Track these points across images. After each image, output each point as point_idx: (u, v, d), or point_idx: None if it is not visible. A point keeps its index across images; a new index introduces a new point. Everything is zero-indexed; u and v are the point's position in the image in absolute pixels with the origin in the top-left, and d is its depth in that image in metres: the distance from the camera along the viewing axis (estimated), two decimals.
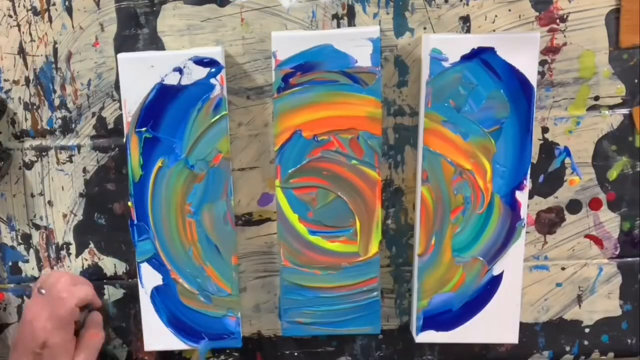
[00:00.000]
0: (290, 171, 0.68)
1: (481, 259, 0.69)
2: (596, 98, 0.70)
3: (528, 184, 0.68)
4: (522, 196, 0.68)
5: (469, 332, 0.70)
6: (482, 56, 0.66)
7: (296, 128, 0.67)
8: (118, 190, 0.74)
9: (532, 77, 0.66)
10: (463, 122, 0.67)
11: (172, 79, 0.67)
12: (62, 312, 0.69)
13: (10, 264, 0.76)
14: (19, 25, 0.71)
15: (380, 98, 0.66)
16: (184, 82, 0.67)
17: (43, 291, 0.70)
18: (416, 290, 0.70)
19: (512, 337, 0.70)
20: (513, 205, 0.68)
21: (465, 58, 0.66)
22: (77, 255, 0.76)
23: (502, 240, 0.69)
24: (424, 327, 0.70)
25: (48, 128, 0.73)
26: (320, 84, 0.66)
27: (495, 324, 0.70)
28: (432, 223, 0.69)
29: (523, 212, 0.68)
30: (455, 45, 0.66)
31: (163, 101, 0.67)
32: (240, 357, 0.77)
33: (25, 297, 0.77)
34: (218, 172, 0.68)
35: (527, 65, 0.66)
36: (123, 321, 0.77)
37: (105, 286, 0.76)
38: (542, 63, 0.69)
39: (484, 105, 0.67)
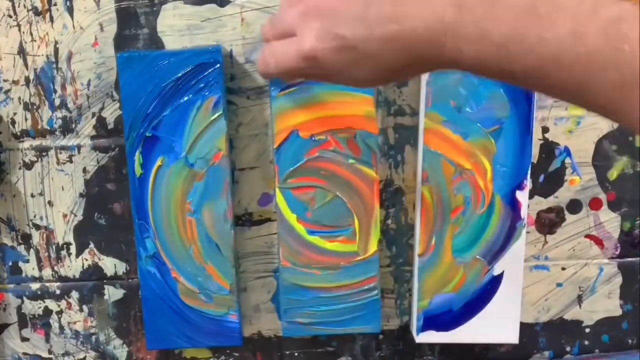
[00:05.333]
0: (288, 171, 0.70)
1: (481, 259, 0.71)
2: None
3: (528, 183, 0.70)
4: (522, 196, 0.70)
5: (469, 332, 0.72)
6: None
7: (293, 128, 0.69)
8: (118, 190, 0.76)
9: None
10: (463, 122, 0.69)
11: (171, 77, 0.69)
12: None
13: (10, 264, 0.78)
14: (19, 25, 0.73)
15: (373, 94, 0.68)
16: (183, 80, 0.69)
17: None
18: (416, 290, 0.72)
19: (512, 337, 0.72)
20: (513, 205, 0.70)
21: None
22: (77, 256, 0.78)
23: (503, 240, 0.71)
24: (424, 327, 0.72)
25: (48, 128, 0.75)
26: (316, 84, 0.68)
27: (496, 324, 0.72)
28: (432, 223, 0.71)
29: (523, 212, 0.70)
30: None
31: (162, 99, 0.69)
32: (240, 357, 0.79)
33: (25, 298, 0.79)
34: (218, 170, 0.70)
35: None
36: (123, 321, 0.79)
37: (105, 286, 0.78)
38: None
39: (484, 105, 0.68)
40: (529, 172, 0.70)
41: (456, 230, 0.71)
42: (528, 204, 0.72)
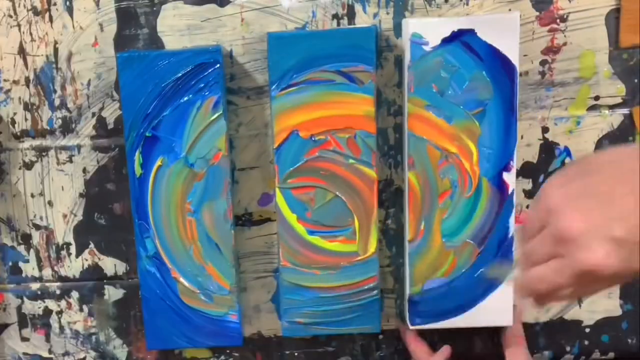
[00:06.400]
0: (288, 171, 0.70)
1: (471, 242, 0.71)
2: (596, 98, 0.72)
3: (515, 164, 0.69)
4: (509, 177, 0.70)
5: (463, 317, 0.72)
6: (462, 38, 0.68)
7: (293, 128, 0.69)
8: (118, 190, 0.76)
9: (514, 57, 0.68)
10: (446, 106, 0.69)
11: (171, 77, 0.69)
12: None
13: (10, 264, 0.79)
14: (19, 25, 0.74)
15: (373, 94, 0.68)
16: (183, 80, 0.69)
17: None
18: (408, 276, 0.72)
19: (507, 319, 0.72)
20: (501, 187, 0.70)
21: (446, 41, 0.68)
22: (77, 256, 0.78)
23: (492, 223, 0.70)
24: (417, 314, 0.72)
25: (48, 128, 0.76)
26: (316, 84, 0.68)
27: (491, 308, 0.72)
28: (420, 208, 0.70)
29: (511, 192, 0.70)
30: (435, 29, 0.68)
31: (162, 99, 0.69)
32: (240, 357, 0.79)
33: (25, 298, 0.79)
34: (218, 170, 0.71)
35: (508, 45, 0.68)
36: (123, 321, 0.79)
37: (106, 286, 0.78)
38: (543, 63, 0.72)
39: (466, 88, 0.69)
40: (515, 152, 0.69)
41: (444, 215, 0.71)
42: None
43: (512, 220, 0.70)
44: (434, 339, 0.77)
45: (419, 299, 0.72)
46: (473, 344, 0.78)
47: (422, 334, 0.76)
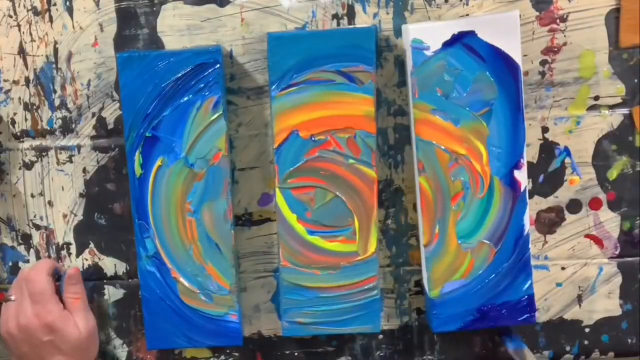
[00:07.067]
0: (288, 171, 0.70)
1: (488, 242, 0.71)
2: (596, 98, 0.72)
3: (525, 161, 0.69)
4: (520, 175, 0.70)
5: (485, 317, 0.72)
6: (463, 40, 0.68)
7: (293, 128, 0.69)
8: (118, 190, 0.76)
9: (517, 55, 0.68)
10: (452, 109, 0.69)
11: (171, 77, 0.69)
12: (39, 287, 0.72)
13: (10, 264, 0.79)
14: (19, 26, 0.74)
15: (373, 94, 0.68)
16: (183, 80, 0.69)
17: (12, 297, 0.74)
18: (426, 280, 0.72)
19: (530, 317, 0.72)
20: (513, 185, 0.70)
21: (447, 44, 0.68)
22: (77, 256, 0.78)
23: (506, 221, 0.70)
24: (438, 319, 0.72)
25: (48, 128, 0.76)
26: (316, 84, 0.68)
27: (510, 305, 0.72)
28: (433, 212, 0.70)
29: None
30: (435, 33, 0.68)
31: (162, 99, 0.69)
32: (240, 357, 0.79)
33: None
34: (218, 170, 0.71)
35: (510, 44, 0.68)
36: (123, 321, 0.79)
37: (105, 286, 0.78)
38: (543, 63, 0.72)
39: (471, 89, 0.69)
40: (525, 149, 0.69)
41: (459, 217, 0.71)
42: (528, 203, 0.72)
43: (526, 217, 0.71)
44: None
45: (438, 302, 0.72)
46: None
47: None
